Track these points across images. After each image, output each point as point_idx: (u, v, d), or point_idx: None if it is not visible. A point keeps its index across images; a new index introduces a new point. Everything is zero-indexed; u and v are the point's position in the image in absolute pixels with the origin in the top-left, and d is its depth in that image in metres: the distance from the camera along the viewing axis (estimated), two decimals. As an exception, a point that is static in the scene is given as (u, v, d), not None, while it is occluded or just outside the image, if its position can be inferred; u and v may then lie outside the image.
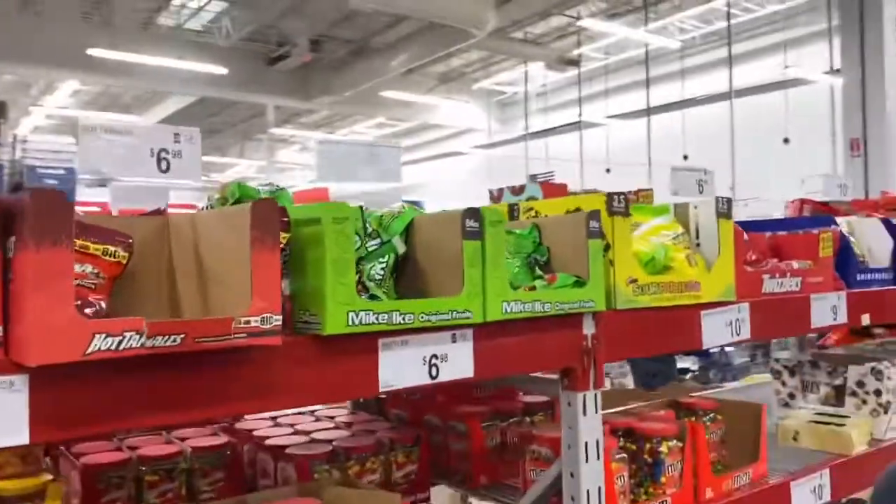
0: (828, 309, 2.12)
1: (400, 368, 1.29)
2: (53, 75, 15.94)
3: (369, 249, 1.45)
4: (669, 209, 1.99)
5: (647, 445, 1.78)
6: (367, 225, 1.47)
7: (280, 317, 1.08)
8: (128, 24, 14.45)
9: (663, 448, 1.78)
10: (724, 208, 1.86)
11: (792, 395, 2.60)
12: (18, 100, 18.70)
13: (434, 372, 1.34)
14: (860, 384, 2.42)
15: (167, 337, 0.96)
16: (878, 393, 2.41)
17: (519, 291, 1.42)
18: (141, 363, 0.97)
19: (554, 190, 2.16)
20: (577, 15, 14.78)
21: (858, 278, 2.27)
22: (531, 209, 1.76)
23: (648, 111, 15.80)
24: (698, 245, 1.91)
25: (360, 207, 1.37)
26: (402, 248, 1.49)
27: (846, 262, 2.26)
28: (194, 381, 1.05)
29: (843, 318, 2.16)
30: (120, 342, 0.92)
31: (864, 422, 2.29)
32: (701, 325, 1.78)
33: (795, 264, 2.13)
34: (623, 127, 17.33)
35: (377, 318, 1.23)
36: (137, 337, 0.94)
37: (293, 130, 22.18)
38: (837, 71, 12.51)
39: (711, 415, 2.05)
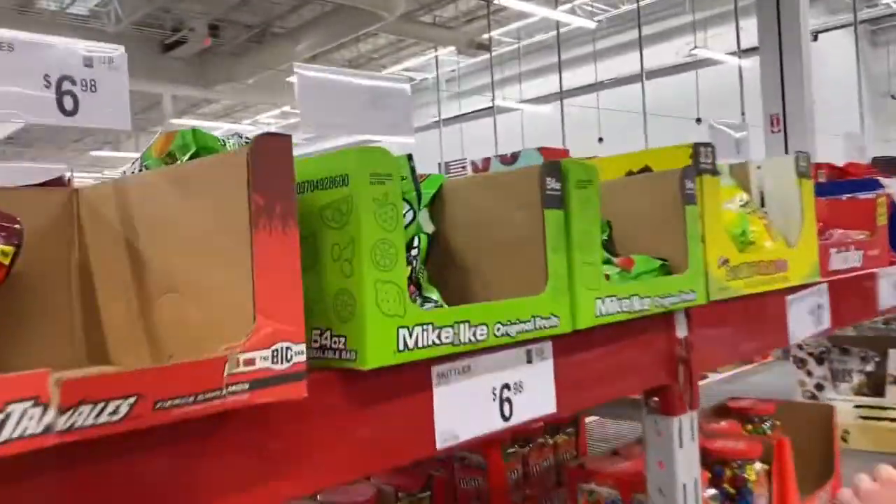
0: (892, 287, 1.80)
1: (462, 410, 0.83)
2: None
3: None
4: (724, 170, 1.60)
5: (728, 472, 1.39)
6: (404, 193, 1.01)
7: (303, 346, 0.61)
8: (1, 6, 13.13)
9: (749, 474, 1.39)
10: (804, 167, 1.48)
11: (820, 387, 2.28)
12: None
13: (507, 410, 0.89)
14: (903, 371, 2.12)
15: (100, 406, 0.47)
16: (920, 379, 2.11)
17: (613, 284, 0.99)
18: (51, 461, 0.48)
19: (557, 156, 1.73)
20: (487, -2, 14.47)
21: (908, 249, 1.97)
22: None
23: (561, 94, 15.68)
24: (765, 214, 1.53)
25: (409, 157, 0.90)
26: (429, 228, 1.03)
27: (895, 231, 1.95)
28: (153, 480, 0.56)
29: (903, 296, 1.85)
30: (3, 424, 0.44)
31: (922, 415, 1.99)
32: (787, 315, 1.40)
33: (856, 235, 1.79)
34: (537, 112, 17.20)
35: (439, 338, 0.77)
36: (40, 412, 0.45)
37: (193, 121, 21.01)
38: (745, 51, 12.70)
39: (770, 421, 1.69)
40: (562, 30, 15.61)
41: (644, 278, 1.09)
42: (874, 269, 1.74)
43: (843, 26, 13.54)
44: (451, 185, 1.04)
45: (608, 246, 1.20)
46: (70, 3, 13.96)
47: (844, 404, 2.12)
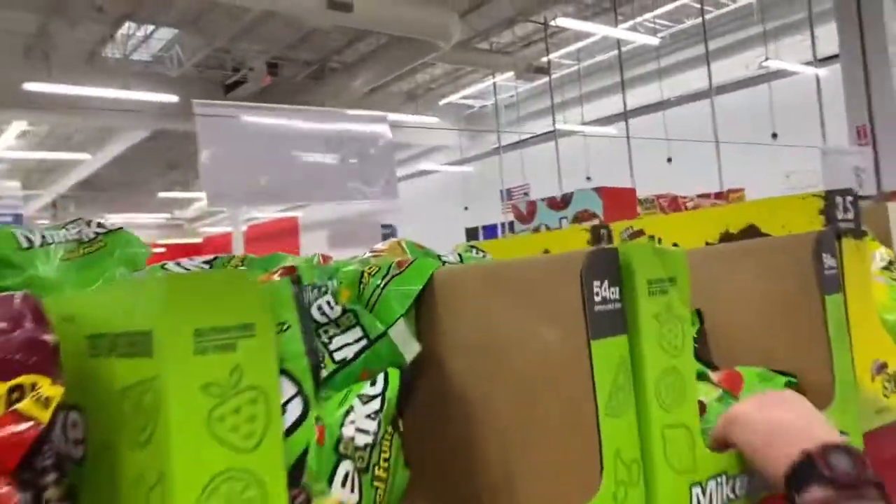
0: None
1: None
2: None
3: (335, 358, 0.63)
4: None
5: None
6: (328, 301, 0.63)
7: None
8: (70, 59, 13.51)
9: None
10: (976, 209, 1.04)
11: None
12: (-38, 145, 17.62)
13: None
14: None
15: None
16: None
17: (717, 458, 0.59)
18: None
19: (619, 197, 1.34)
20: (543, 20, 14.14)
21: None
22: (640, 232, 0.93)
23: (626, 114, 15.14)
24: (916, 277, 1.10)
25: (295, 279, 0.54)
26: (411, 352, 0.65)
27: None
28: None
29: None
30: None
31: None
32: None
33: None
34: (601, 133, 16.72)
35: None
36: None
37: (256, 160, 21.27)
38: (821, 60, 11.96)
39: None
40: (623, 48, 15.12)
41: None
42: None
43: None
44: (447, 279, 0.66)
45: (699, 349, 0.79)
46: (133, 51, 14.28)
47: None
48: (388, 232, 18.39)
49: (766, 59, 13.51)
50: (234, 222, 18.71)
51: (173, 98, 14.03)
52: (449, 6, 12.15)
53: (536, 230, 1.72)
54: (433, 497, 0.65)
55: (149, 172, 21.80)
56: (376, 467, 0.55)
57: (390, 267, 0.68)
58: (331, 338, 0.65)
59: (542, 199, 1.43)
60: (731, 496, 0.54)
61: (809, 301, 0.71)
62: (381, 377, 0.58)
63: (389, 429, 0.57)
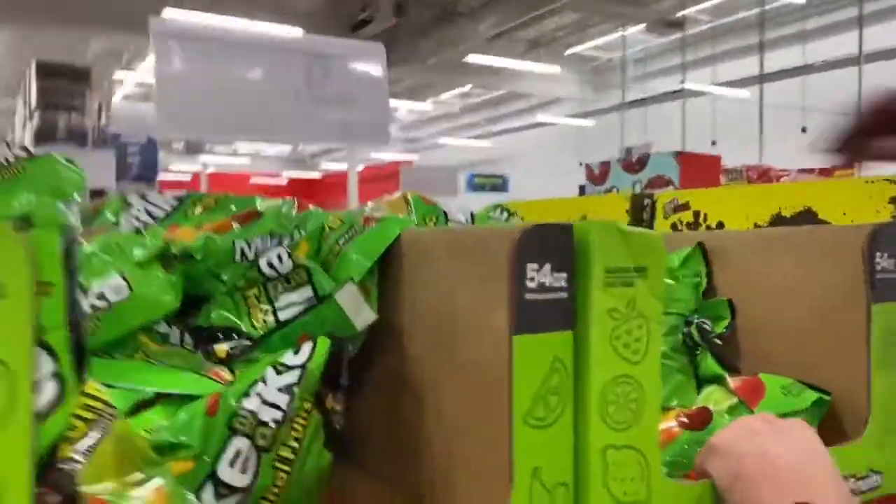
0: None
1: None
2: (141, 42, 15.76)
3: (279, 317, 0.56)
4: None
5: None
6: (279, 254, 0.57)
7: None
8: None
9: None
10: None
11: None
12: (111, 67, 18.63)
13: None
14: None
15: None
16: None
17: (683, 486, 0.49)
18: None
19: (699, 164, 1.23)
20: (682, -29, 13.35)
21: None
22: (685, 206, 0.81)
23: (762, 77, 14.19)
24: None
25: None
26: (363, 320, 0.58)
27: None
28: None
29: None
30: None
31: None
32: None
33: None
34: (731, 97, 15.81)
35: None
36: None
37: (378, 100, 21.47)
38: None
39: None
40: (766, 6, 14.08)
41: None
42: None
43: None
44: (413, 242, 0.58)
45: (725, 348, 0.68)
46: (266, -18, 14.58)
47: None
48: (499, 183, 18.24)
49: (930, 25, 12.21)
50: (350, 160, 19.09)
51: (298, 31, 14.30)
52: (581, -49, 11.65)
53: (608, 192, 1.58)
54: (378, 479, 0.58)
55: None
56: (282, 448, 0.48)
57: (354, 223, 0.60)
58: (279, 294, 0.59)
59: (618, 160, 1.29)
60: (698, 535, 0.45)
61: (853, 308, 0.58)
62: (307, 346, 0.51)
63: (307, 405, 0.50)
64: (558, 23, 16.72)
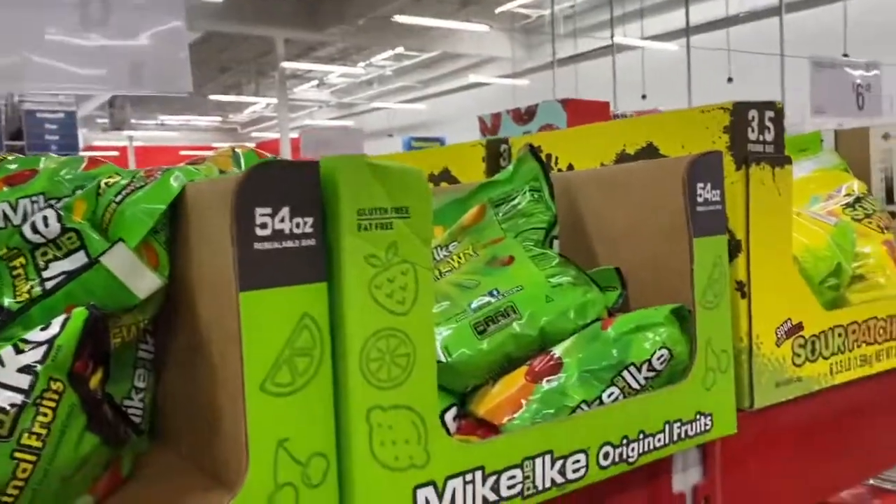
0: None
1: None
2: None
3: (46, 287, 0.50)
4: (821, 140, 0.98)
5: None
6: (45, 216, 0.50)
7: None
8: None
9: None
10: (970, 138, 0.84)
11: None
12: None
13: None
14: None
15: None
16: None
17: (469, 445, 0.45)
18: None
19: (587, 111, 1.19)
20: (607, -76, 13.31)
21: None
22: (537, 150, 0.76)
23: (687, 30, 14.34)
24: (893, 216, 0.91)
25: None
26: (145, 286, 0.52)
27: None
28: None
29: None
30: None
31: None
32: (921, 403, 0.80)
33: None
34: (661, 50, 15.96)
35: None
36: None
37: (309, 65, 21.04)
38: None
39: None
40: (691, -42, 14.14)
41: (635, 337, 0.54)
42: None
43: None
44: (197, 194, 0.52)
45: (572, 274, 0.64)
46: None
47: None
48: (437, 146, 18.12)
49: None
50: (281, 128, 18.70)
51: (217, -2, 13.81)
52: None
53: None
54: (185, 454, 0.52)
55: (202, 76, 21.77)
56: (25, 434, 0.43)
57: (134, 177, 0.54)
58: (49, 262, 0.52)
59: (508, 111, 1.25)
60: (492, 497, 0.41)
61: (678, 245, 0.54)
62: (58, 319, 0.45)
63: (58, 385, 0.44)
64: (487, -20, 16.53)
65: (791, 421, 0.65)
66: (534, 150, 0.66)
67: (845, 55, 12.47)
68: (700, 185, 0.53)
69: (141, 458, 0.53)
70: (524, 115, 1.27)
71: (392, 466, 0.39)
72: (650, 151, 0.66)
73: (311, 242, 0.37)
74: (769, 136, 0.61)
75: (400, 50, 20.33)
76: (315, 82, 23.57)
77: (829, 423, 0.71)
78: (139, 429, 0.58)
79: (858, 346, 0.69)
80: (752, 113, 0.60)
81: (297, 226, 0.36)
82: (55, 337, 0.45)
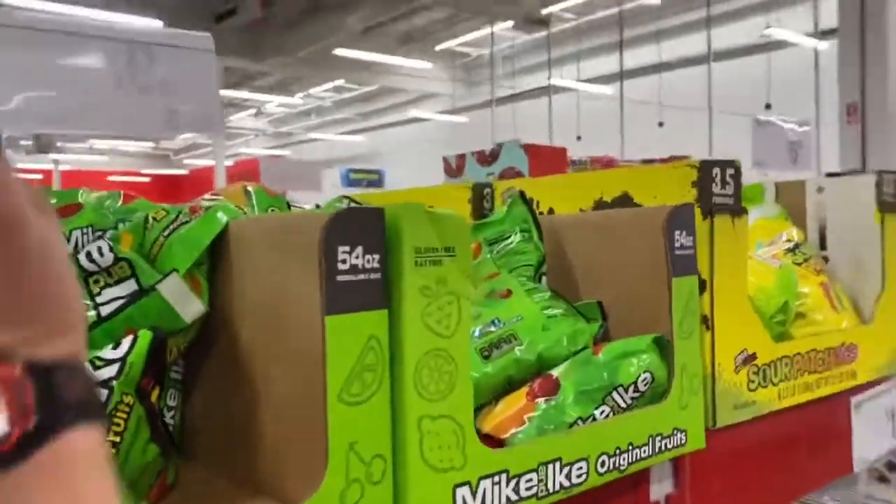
0: None
1: None
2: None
3: (101, 312, 0.55)
4: (763, 192, 1.10)
5: None
6: (99, 247, 0.56)
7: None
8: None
9: None
10: (889, 194, 0.97)
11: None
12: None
13: None
14: None
15: None
16: None
17: (500, 453, 0.52)
18: None
19: (547, 156, 1.27)
20: (547, -29, 13.80)
21: None
22: (511, 195, 0.85)
23: (621, 74, 14.92)
24: (826, 261, 1.03)
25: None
26: (192, 311, 0.57)
27: None
28: None
29: None
30: None
31: None
32: (851, 427, 0.91)
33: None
34: (596, 93, 16.50)
35: None
36: None
37: (247, 94, 20.93)
38: (823, 33, 11.74)
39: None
40: (625, 6, 14.79)
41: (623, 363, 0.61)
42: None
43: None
44: (240, 230, 0.58)
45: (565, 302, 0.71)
46: (121, -29, 13.84)
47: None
48: (375, 178, 18.19)
49: (768, 27, 13.24)
50: (217, 156, 18.48)
51: (157, 23, 13.66)
52: (449, -52, 11.80)
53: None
54: (216, 467, 0.58)
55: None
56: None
57: (180, 213, 0.60)
58: (102, 289, 0.57)
59: (473, 153, 1.34)
60: (514, 497, 0.48)
61: (657, 283, 0.63)
62: (127, 339, 0.50)
63: (128, 398, 0.49)
64: (429, 18, 16.85)
65: (746, 439, 0.74)
66: (523, 196, 0.75)
67: (768, 105, 13.16)
68: (677, 232, 0.62)
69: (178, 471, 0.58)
70: (488, 157, 1.35)
71: (437, 468, 0.45)
72: (625, 200, 0.75)
73: (378, 276, 0.44)
74: (730, 190, 0.71)
75: (340, 82, 20.44)
76: (253, 111, 23.43)
77: (778, 441, 0.80)
78: (174, 443, 0.63)
79: (802, 375, 0.79)
80: (716, 170, 0.70)
81: (368, 262, 0.43)
82: (126, 355, 0.50)
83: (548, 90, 16.23)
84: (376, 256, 0.44)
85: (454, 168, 1.54)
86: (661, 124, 14.44)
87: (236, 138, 24.86)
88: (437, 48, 18.45)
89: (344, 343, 0.42)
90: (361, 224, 0.43)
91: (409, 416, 0.44)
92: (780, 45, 13.16)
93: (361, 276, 0.43)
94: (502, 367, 0.63)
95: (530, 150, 1.30)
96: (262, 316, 0.53)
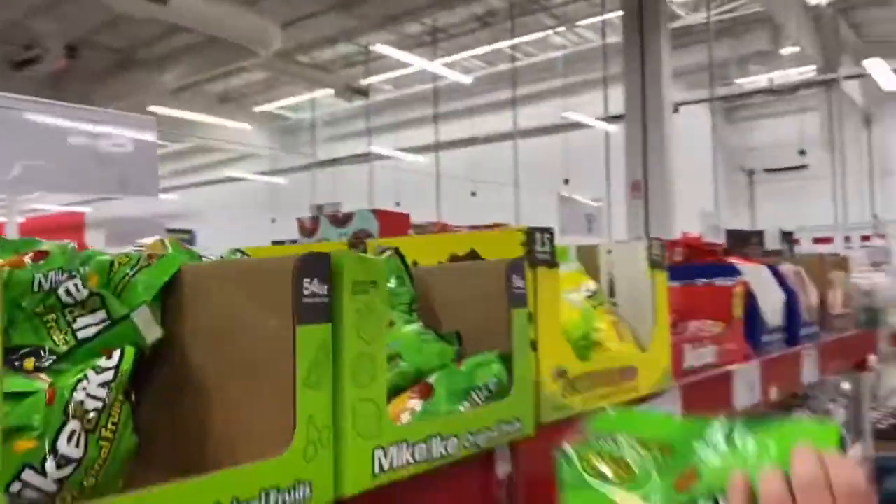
0: (746, 385, 1.65)
1: None
2: None
3: (77, 336, 0.70)
4: (569, 253, 1.40)
5: None
6: (76, 284, 0.71)
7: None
8: None
9: None
10: (658, 255, 1.29)
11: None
12: None
13: None
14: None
15: None
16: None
17: (403, 426, 0.72)
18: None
19: (394, 220, 1.50)
20: (366, 45, 14.41)
21: (763, 340, 1.85)
22: (390, 251, 1.06)
23: (437, 146, 15.76)
24: (615, 305, 1.33)
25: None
26: (153, 335, 0.73)
27: (752, 321, 1.82)
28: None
29: (757, 394, 1.71)
30: None
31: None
32: (635, 429, 1.20)
33: (711, 327, 1.64)
34: (415, 162, 17.22)
35: None
36: None
37: (44, 146, 19.50)
38: (612, 118, 13.19)
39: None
40: (440, 83, 15.75)
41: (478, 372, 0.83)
42: (729, 367, 1.59)
43: (701, 101, 14.30)
44: (192, 273, 0.75)
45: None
46: None
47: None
48: (188, 238, 17.53)
49: (566, 111, 14.64)
50: (9, 212, 17.03)
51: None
52: (270, 14, 12.02)
53: (319, 242, 1.83)
54: (168, 466, 0.72)
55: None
56: (103, 429, 0.62)
57: (140, 258, 0.75)
58: (76, 318, 0.72)
59: (326, 215, 1.54)
60: (410, 460, 0.68)
61: (502, 313, 0.87)
62: (117, 353, 0.65)
63: (121, 397, 0.64)
64: (248, 79, 16.87)
65: (563, 434, 0.99)
66: (398, 251, 0.97)
67: (566, 180, 14.41)
68: (514, 277, 0.87)
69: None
70: (342, 219, 1.53)
71: (364, 436, 0.65)
72: (474, 255, 1.00)
73: (327, 300, 0.63)
74: (548, 248, 0.97)
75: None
76: (51, 164, 21.80)
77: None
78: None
79: (599, 387, 1.06)
80: (538, 234, 0.96)
81: (321, 290, 0.63)
82: (118, 365, 0.65)
83: (368, 157, 16.72)
84: (326, 287, 0.63)
85: (308, 228, 1.71)
86: (473, 193, 15.39)
87: (28, 193, 22.96)
88: (256, 109, 18.42)
89: (306, 345, 0.61)
90: (317, 264, 0.63)
91: (347, 399, 0.64)
92: (575, 126, 14.58)
93: (317, 300, 0.62)
94: (390, 379, 0.83)
95: (379, 214, 1.52)
96: (218, 338, 0.70)
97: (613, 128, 13.36)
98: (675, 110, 12.42)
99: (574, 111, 14.59)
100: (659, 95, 9.02)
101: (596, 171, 13.98)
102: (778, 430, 0.70)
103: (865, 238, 6.83)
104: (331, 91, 16.92)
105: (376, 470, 0.66)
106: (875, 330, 2.62)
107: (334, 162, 18.06)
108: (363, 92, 16.68)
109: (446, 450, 0.74)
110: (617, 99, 12.04)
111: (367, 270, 0.66)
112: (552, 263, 0.98)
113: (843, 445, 0.91)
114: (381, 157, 17.07)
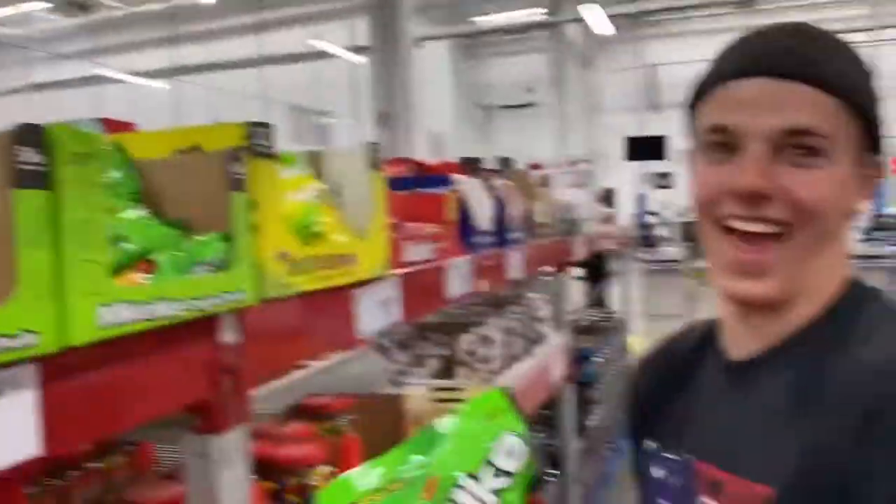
0: (460, 276, 1.89)
1: None
2: None
3: None
4: (296, 159, 1.50)
5: (294, 481, 1.30)
6: None
7: None
8: None
9: (314, 480, 1.31)
10: (375, 158, 1.44)
11: (403, 373, 2.35)
12: None
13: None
14: (471, 353, 2.29)
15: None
16: (485, 360, 2.32)
17: (130, 288, 0.80)
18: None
19: (124, 129, 1.50)
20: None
21: (474, 241, 2.11)
22: (118, 150, 1.10)
23: (175, 70, 14.79)
24: (340, 205, 1.47)
25: None
26: None
27: (465, 225, 2.07)
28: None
29: (469, 285, 1.96)
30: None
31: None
32: (355, 310, 1.35)
33: (428, 228, 1.85)
34: (152, 88, 15.97)
35: None
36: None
37: None
38: (358, 48, 13.25)
39: (346, 418, 1.65)
40: (179, 2, 14.70)
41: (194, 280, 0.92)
42: (443, 261, 1.82)
43: (442, 37, 14.84)
44: None
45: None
46: None
47: (420, 389, 2.21)
48: None
49: (312, 39, 14.40)
50: None
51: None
52: None
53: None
54: None
55: None
56: None
57: None
58: None
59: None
60: (135, 318, 0.76)
61: (224, 200, 0.97)
62: None
63: None
64: (-60, -15, 14.40)
65: (282, 309, 1.12)
66: (120, 145, 1.01)
67: (322, 112, 14.29)
68: (234, 165, 0.96)
69: None
70: None
71: (87, 293, 0.71)
72: (197, 149, 1.07)
73: (42, 168, 0.68)
74: (268, 142, 1.07)
75: None
76: None
77: (303, 315, 1.20)
78: None
79: (321, 270, 1.20)
80: (259, 129, 1.05)
81: (36, 158, 0.67)
82: None
83: (96, 80, 15.21)
84: (40, 156, 0.68)
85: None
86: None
87: None
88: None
89: (26, 209, 0.66)
90: (31, 134, 0.67)
91: (68, 258, 0.70)
92: (322, 55, 14.41)
93: (34, 167, 0.67)
94: (117, 258, 0.89)
95: (108, 123, 1.46)
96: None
97: (360, 58, 13.44)
98: (419, 45, 12.81)
99: (321, 40, 14.40)
100: (403, 29, 9.27)
101: (347, 100, 14.00)
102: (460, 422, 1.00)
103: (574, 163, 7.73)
104: (47, 5, 15.04)
105: (101, 323, 0.73)
106: (572, 237, 3.08)
107: (56, 85, 16.19)
108: (84, 7, 15.06)
109: (170, 311, 0.83)
110: (363, 30, 12.10)
111: (84, 143, 0.72)
112: (271, 156, 1.08)
113: (512, 398, 1.14)
114: (112, 81, 15.60)
